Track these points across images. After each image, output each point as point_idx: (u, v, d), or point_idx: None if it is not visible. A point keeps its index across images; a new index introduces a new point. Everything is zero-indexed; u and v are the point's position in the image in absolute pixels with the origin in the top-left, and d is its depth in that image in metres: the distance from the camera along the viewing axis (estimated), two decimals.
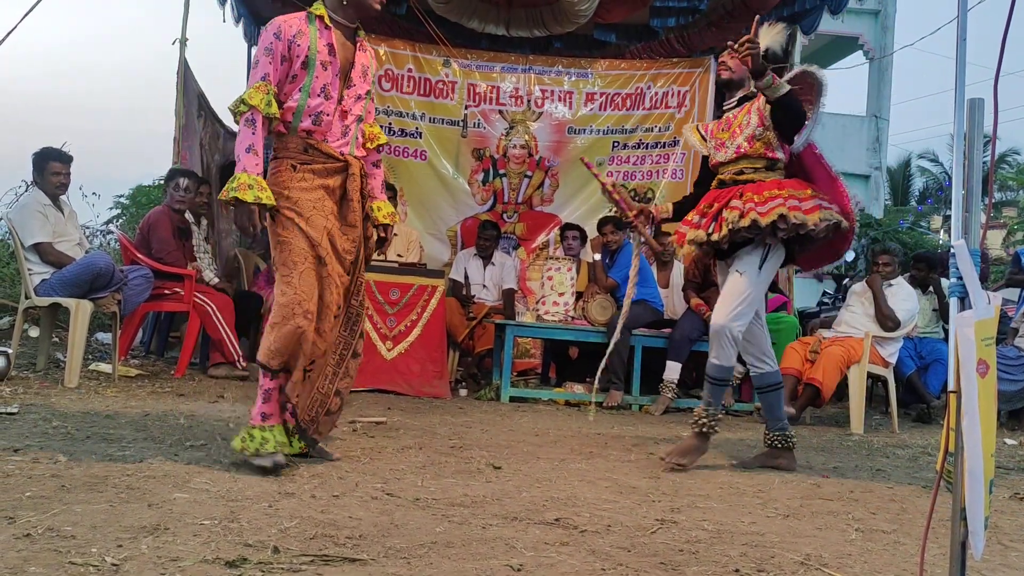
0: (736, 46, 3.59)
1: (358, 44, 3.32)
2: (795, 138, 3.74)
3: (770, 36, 3.80)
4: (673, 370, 6.10)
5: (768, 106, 3.71)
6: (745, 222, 3.62)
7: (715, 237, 3.72)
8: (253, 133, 3.07)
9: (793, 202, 3.63)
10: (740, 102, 3.95)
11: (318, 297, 3.15)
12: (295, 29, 3.14)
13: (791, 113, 3.65)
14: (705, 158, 4.11)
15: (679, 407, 6.12)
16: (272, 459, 3.00)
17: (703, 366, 6.70)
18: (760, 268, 3.75)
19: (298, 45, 3.13)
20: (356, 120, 3.32)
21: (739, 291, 3.73)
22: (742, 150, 3.83)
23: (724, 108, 4.06)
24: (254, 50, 8.35)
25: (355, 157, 3.32)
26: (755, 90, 3.82)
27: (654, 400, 6.07)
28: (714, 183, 3.97)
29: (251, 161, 3.05)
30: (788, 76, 3.82)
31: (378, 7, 3.26)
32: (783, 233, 3.65)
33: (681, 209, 4.12)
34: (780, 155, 3.81)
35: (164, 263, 5.80)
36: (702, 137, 4.11)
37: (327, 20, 3.21)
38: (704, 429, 3.81)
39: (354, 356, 3.41)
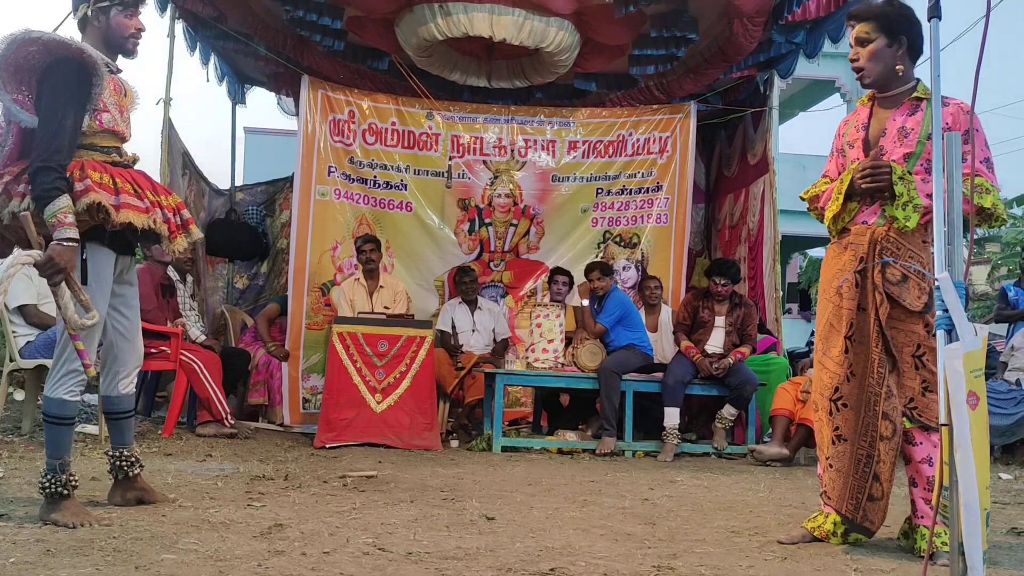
0: None
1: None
2: None
3: None
4: (673, 416, 6.06)
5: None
6: (193, 234, 3.32)
7: (158, 224, 3.15)
8: None
9: None
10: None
11: (842, 382, 3.16)
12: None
13: None
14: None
15: (677, 452, 6.07)
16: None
17: (693, 408, 6.74)
18: None
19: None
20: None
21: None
22: (128, 137, 3.29)
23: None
24: (239, 108, 8.57)
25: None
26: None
27: (659, 447, 6.04)
28: (108, 157, 3.15)
29: None
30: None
31: None
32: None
33: None
34: None
35: (143, 320, 5.75)
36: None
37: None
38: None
39: (882, 439, 3.10)
